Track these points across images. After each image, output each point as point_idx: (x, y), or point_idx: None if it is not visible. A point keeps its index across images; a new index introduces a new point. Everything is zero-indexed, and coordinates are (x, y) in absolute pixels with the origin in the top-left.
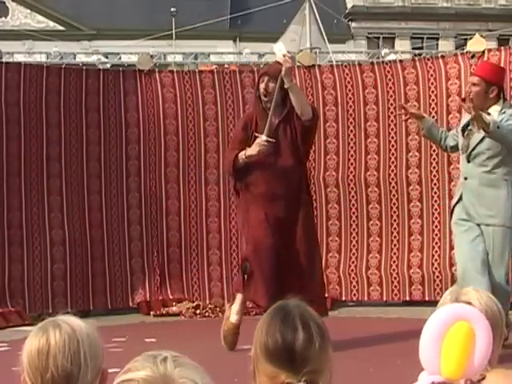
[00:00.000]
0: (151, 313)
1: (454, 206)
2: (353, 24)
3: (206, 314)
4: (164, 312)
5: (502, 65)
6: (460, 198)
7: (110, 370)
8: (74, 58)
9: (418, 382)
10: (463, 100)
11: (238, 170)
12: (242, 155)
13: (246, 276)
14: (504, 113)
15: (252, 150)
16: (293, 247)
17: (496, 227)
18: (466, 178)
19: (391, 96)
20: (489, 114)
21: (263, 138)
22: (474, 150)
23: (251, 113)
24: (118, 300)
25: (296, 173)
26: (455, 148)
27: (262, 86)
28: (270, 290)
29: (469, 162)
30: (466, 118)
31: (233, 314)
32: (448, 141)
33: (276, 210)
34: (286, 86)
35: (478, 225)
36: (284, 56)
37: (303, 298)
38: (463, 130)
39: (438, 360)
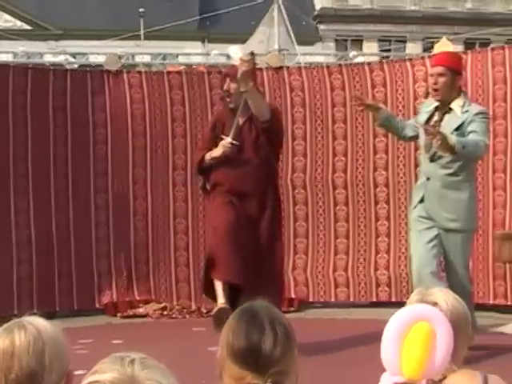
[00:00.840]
0: (118, 314)
1: (415, 205)
2: (321, 26)
3: (173, 315)
4: (131, 313)
5: (468, 68)
6: (422, 198)
7: (76, 372)
8: (41, 58)
9: (380, 383)
10: (426, 95)
11: (204, 171)
12: (208, 156)
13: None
14: (467, 111)
15: (216, 152)
16: (255, 243)
17: (457, 232)
18: (428, 179)
19: None
20: (451, 109)
21: (228, 140)
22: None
23: (220, 112)
24: (84, 301)
25: (261, 173)
26: (414, 138)
27: (224, 87)
28: (233, 264)
29: (432, 161)
30: (425, 112)
31: (218, 298)
32: (406, 131)
33: (239, 207)
34: (241, 90)
35: (438, 228)
36: (241, 59)
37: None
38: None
39: (399, 360)
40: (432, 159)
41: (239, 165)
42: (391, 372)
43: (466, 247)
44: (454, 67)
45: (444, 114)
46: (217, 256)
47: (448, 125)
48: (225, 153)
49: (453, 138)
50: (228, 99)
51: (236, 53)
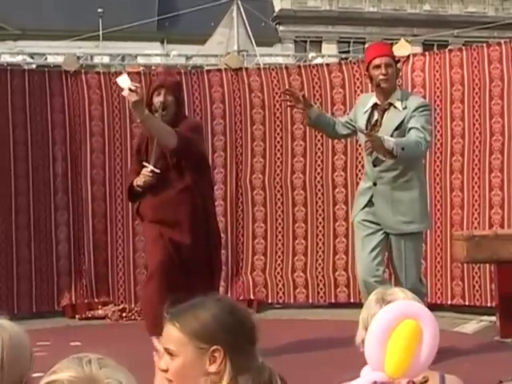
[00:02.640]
0: (76, 316)
1: (359, 210)
2: (280, 27)
3: (132, 317)
4: (89, 315)
5: (426, 70)
6: (367, 203)
7: (33, 375)
8: None
9: (360, 378)
10: (378, 86)
11: (135, 196)
12: (134, 183)
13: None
14: (405, 108)
15: (139, 181)
16: (191, 277)
17: (412, 234)
18: (375, 184)
19: (317, 99)
20: (391, 104)
21: (149, 168)
22: None
23: (144, 133)
24: (43, 303)
25: (187, 198)
26: (347, 136)
27: (158, 98)
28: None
29: (375, 166)
30: (363, 113)
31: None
32: (339, 128)
33: (168, 239)
34: (138, 120)
35: (388, 232)
36: (129, 89)
37: None
38: (366, 127)
39: (383, 357)
40: (375, 164)
41: (163, 192)
42: (373, 367)
43: (419, 248)
44: (393, 57)
45: (384, 112)
46: (147, 309)
47: (390, 122)
48: (146, 183)
49: (391, 141)
50: (163, 112)
51: (125, 82)
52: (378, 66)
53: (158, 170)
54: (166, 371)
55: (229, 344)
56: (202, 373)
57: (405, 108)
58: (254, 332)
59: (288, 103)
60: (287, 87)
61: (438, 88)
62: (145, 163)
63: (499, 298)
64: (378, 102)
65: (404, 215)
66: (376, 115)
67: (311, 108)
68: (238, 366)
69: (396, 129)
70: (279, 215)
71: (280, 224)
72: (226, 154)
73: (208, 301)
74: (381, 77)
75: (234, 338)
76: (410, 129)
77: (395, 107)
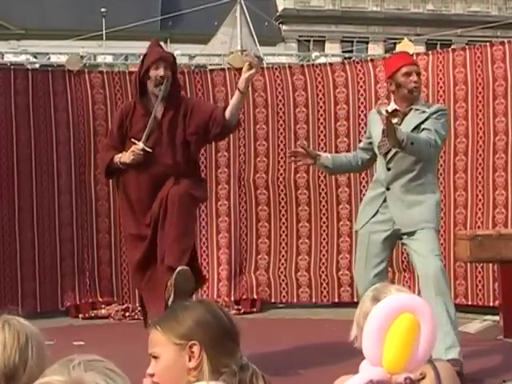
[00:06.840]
0: (80, 315)
1: (368, 219)
2: (283, 27)
3: (136, 316)
4: (93, 315)
5: (429, 69)
6: (375, 214)
7: None
8: (2, 58)
9: (357, 374)
10: (410, 92)
11: (112, 173)
12: (117, 159)
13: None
14: (427, 111)
15: (126, 158)
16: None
17: (428, 228)
18: (388, 189)
19: (321, 99)
20: (411, 109)
21: (140, 146)
22: (396, 153)
23: (128, 107)
24: (47, 303)
25: (175, 175)
26: (372, 160)
27: (158, 72)
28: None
29: (389, 170)
30: (378, 122)
31: None
32: (361, 157)
33: (150, 222)
34: (243, 91)
35: (403, 233)
36: (257, 58)
37: None
38: (383, 131)
39: (380, 351)
40: (388, 168)
41: (152, 173)
42: (371, 362)
43: (435, 236)
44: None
45: (405, 116)
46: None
47: (409, 123)
48: (135, 160)
49: (403, 133)
50: (161, 86)
51: (252, 49)
52: (408, 74)
53: (150, 150)
54: (153, 375)
55: (206, 339)
56: (184, 370)
57: (426, 111)
58: (234, 330)
59: (297, 163)
60: (293, 150)
61: (441, 87)
62: (134, 140)
63: (502, 297)
64: (399, 108)
65: (420, 214)
66: (395, 120)
67: (320, 157)
68: (217, 362)
69: (414, 128)
70: (283, 215)
71: (284, 223)
72: (230, 154)
73: (190, 304)
74: (413, 84)
75: (212, 334)
76: (424, 129)
77: (417, 110)
